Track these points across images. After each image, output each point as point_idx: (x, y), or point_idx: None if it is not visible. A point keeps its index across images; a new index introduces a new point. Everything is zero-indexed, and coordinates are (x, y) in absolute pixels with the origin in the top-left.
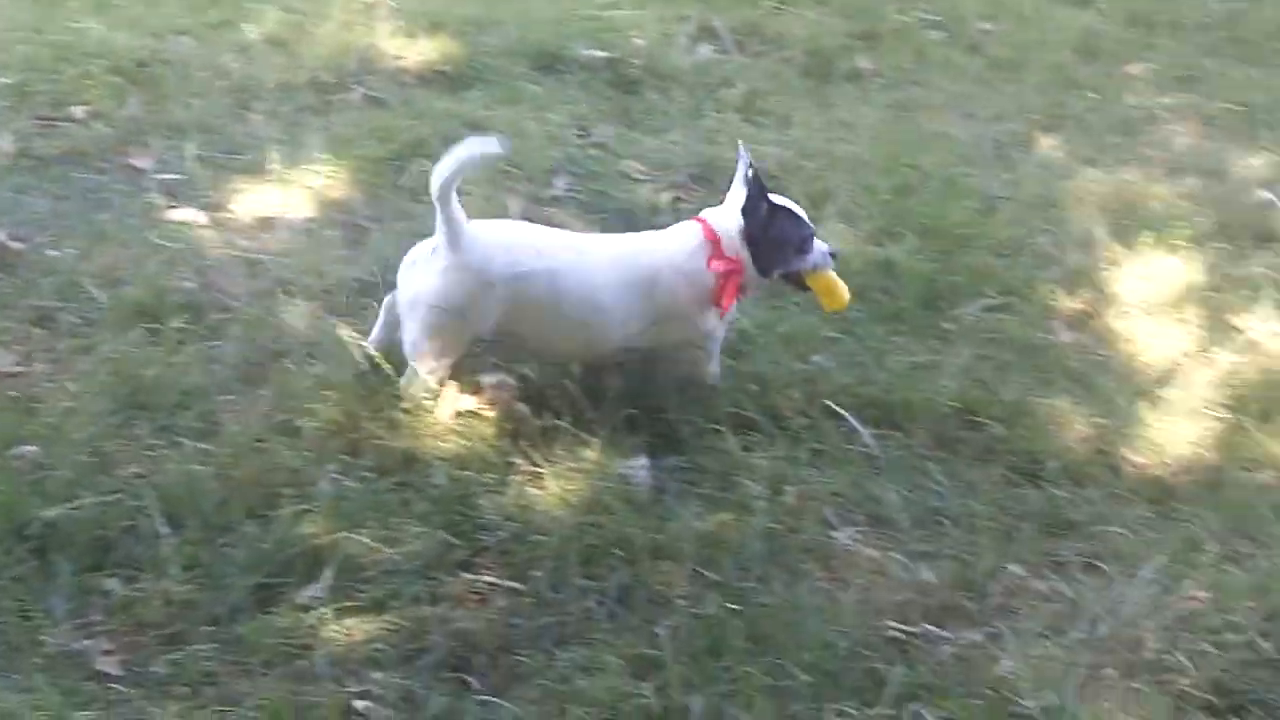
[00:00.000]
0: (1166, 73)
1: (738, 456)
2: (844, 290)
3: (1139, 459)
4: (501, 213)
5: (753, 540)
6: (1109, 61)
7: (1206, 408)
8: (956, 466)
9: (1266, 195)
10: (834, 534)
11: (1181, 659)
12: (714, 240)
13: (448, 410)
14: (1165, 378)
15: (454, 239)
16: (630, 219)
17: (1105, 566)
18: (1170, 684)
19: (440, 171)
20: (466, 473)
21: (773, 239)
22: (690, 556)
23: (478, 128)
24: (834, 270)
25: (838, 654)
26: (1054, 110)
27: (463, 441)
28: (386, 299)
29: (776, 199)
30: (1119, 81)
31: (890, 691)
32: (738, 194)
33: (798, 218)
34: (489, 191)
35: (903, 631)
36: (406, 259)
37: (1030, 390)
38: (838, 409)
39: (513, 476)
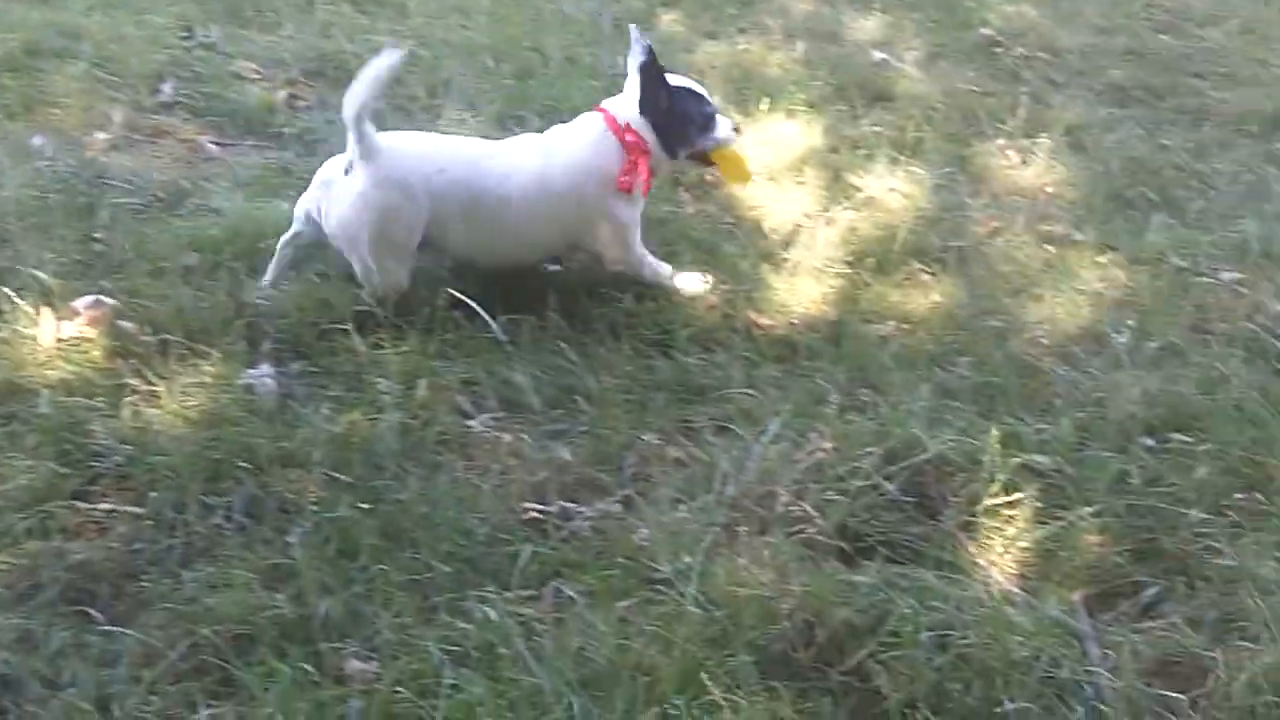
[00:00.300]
0: None
1: (366, 355)
2: (748, 165)
3: (766, 321)
4: (105, 124)
5: (386, 437)
6: None
7: (828, 265)
8: (589, 345)
9: (880, 55)
10: (469, 423)
11: (810, 509)
12: (616, 129)
13: (48, 336)
14: (789, 240)
15: (370, 155)
16: (246, 121)
17: (736, 428)
18: (801, 534)
19: (352, 95)
20: (75, 399)
21: (676, 119)
22: (321, 461)
23: (75, 36)
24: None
25: (476, 541)
26: None
27: (69, 367)
28: (299, 203)
29: (675, 79)
30: None
31: (525, 570)
32: (634, 79)
33: (698, 96)
34: (88, 103)
35: (540, 511)
36: (318, 177)
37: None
38: (462, 297)
39: (126, 399)
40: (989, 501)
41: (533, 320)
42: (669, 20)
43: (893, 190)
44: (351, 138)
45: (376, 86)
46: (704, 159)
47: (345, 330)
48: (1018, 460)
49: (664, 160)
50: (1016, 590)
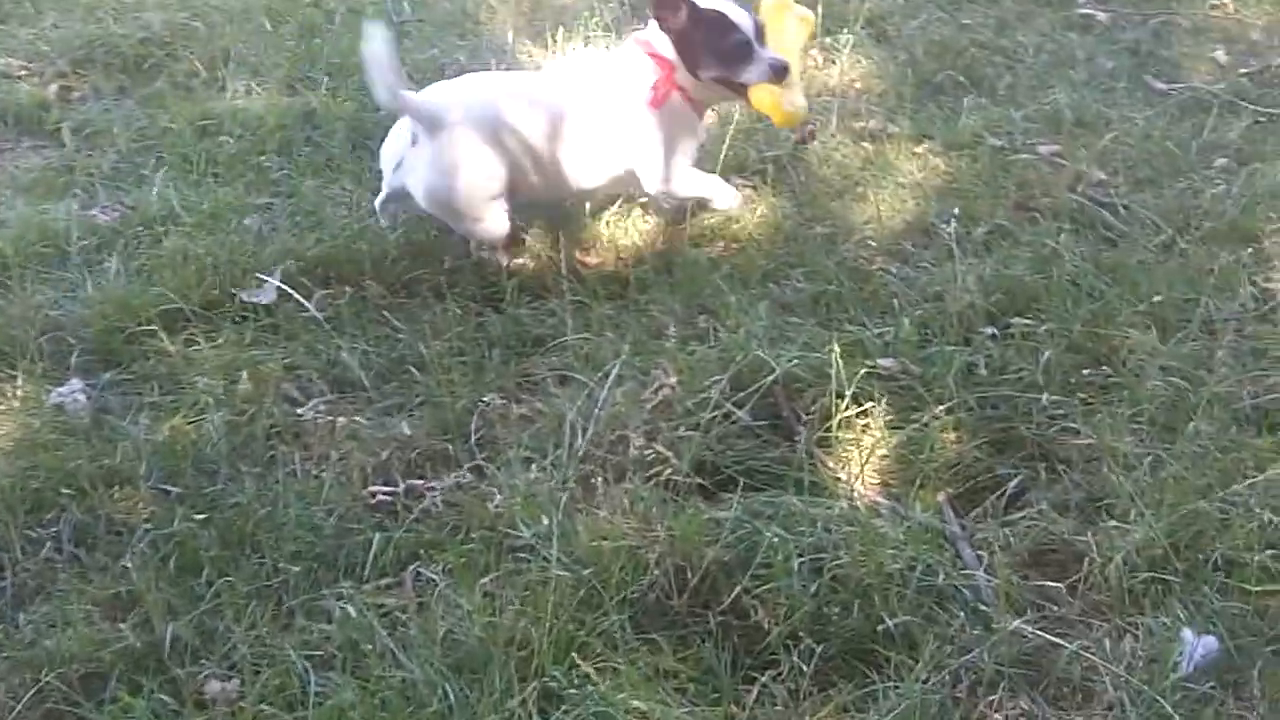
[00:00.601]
0: None
1: (180, 354)
2: (790, 106)
3: (594, 259)
4: None
5: (213, 439)
6: None
7: None
8: (413, 310)
9: None
10: (299, 411)
11: (664, 450)
12: (647, 48)
13: None
14: None
15: (427, 120)
16: (19, 121)
17: (579, 375)
18: (659, 476)
19: (375, 86)
20: None
21: (693, 38)
22: (147, 475)
23: None
24: (782, 83)
25: (324, 535)
26: None
27: None
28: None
29: (704, 5)
30: None
31: (380, 558)
32: None
33: (727, 24)
34: None
35: (388, 493)
36: (387, 157)
37: None
38: (269, 279)
39: None
40: (841, 415)
41: (350, 292)
42: None
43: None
44: (405, 114)
45: (385, 67)
46: (738, 90)
47: (153, 332)
48: (864, 368)
49: (694, 85)
50: (882, 501)
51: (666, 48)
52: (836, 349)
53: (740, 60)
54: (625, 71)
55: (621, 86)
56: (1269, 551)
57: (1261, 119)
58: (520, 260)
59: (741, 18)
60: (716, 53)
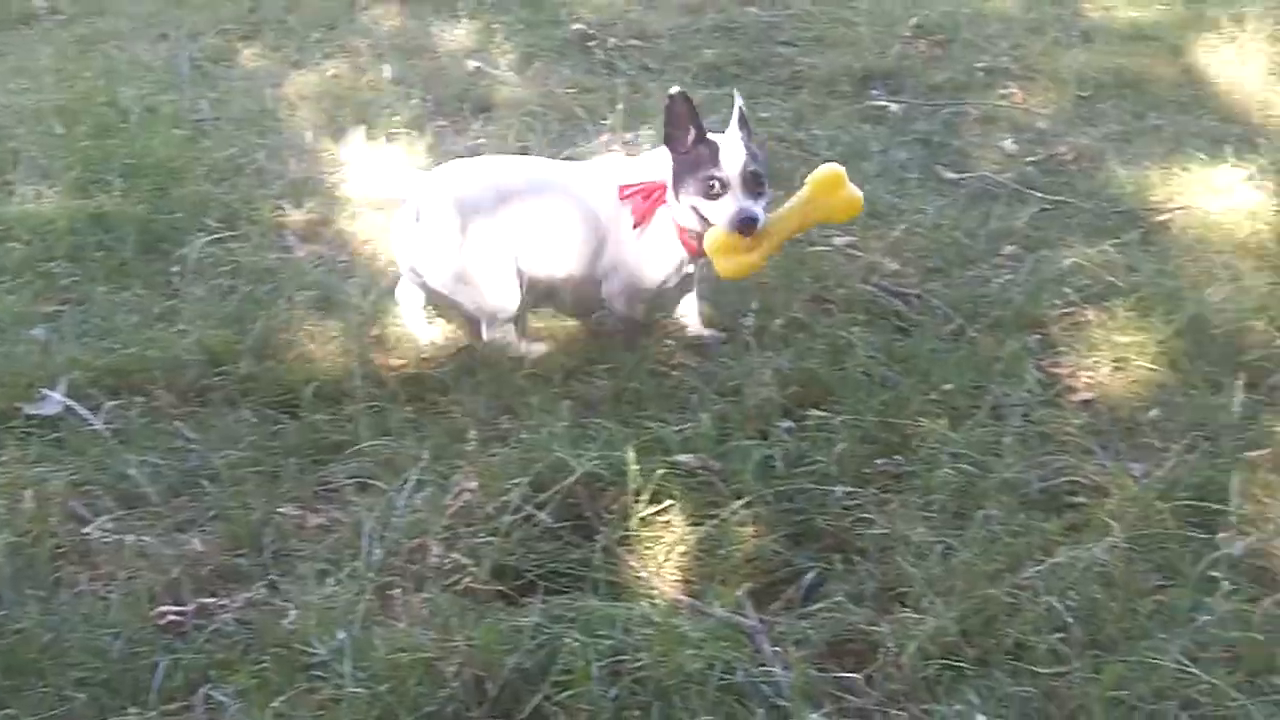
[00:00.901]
0: None
1: None
2: (731, 263)
3: (396, 361)
4: None
5: None
6: None
7: None
8: (206, 418)
9: (474, 64)
10: (86, 529)
11: (463, 557)
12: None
13: None
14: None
15: (427, 197)
16: None
17: (378, 482)
18: (458, 584)
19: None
20: None
21: (686, 165)
22: None
23: None
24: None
25: (111, 659)
26: (249, 18)
27: None
28: (399, 290)
29: (723, 136)
30: None
31: (168, 681)
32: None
33: (716, 158)
34: None
35: (177, 613)
36: (396, 240)
37: (275, 318)
38: (53, 394)
39: None
40: (639, 514)
41: (141, 401)
42: (251, 55)
43: None
44: (408, 189)
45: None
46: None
47: None
48: (664, 465)
49: (673, 200)
50: (683, 598)
51: (664, 163)
52: (631, 451)
53: (714, 198)
54: (620, 176)
55: (611, 190)
56: (1056, 635)
57: (1048, 206)
58: (541, 347)
59: (734, 159)
60: (697, 182)
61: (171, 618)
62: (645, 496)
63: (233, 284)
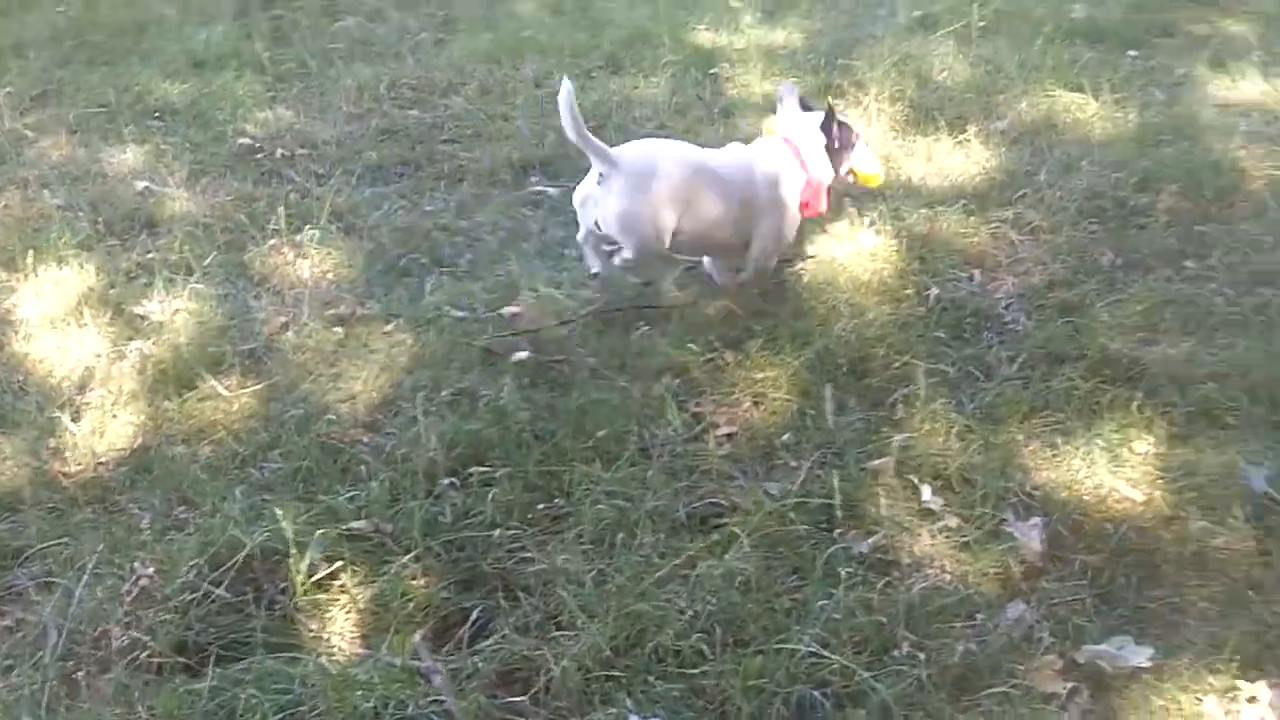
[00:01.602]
0: (24, 93)
1: None
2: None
3: (74, 468)
4: None
5: None
6: None
7: (130, 399)
8: None
9: (142, 184)
10: None
11: (142, 635)
12: (799, 155)
13: None
14: (83, 383)
15: (610, 162)
16: None
17: (60, 580)
18: (138, 660)
19: (566, 124)
20: None
21: (841, 145)
22: None
23: None
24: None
25: None
26: None
27: None
28: (581, 236)
29: (810, 115)
30: None
31: None
32: (800, 117)
33: (849, 133)
34: None
35: None
36: (578, 198)
37: None
38: None
39: None
40: (311, 579)
41: None
42: None
43: (179, 311)
44: (590, 156)
45: (574, 114)
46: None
47: None
48: (337, 531)
49: (829, 174)
50: (361, 651)
51: (808, 153)
52: (287, 521)
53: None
54: (779, 164)
55: (774, 176)
56: (698, 635)
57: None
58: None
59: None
60: (851, 151)
61: None
62: (311, 562)
63: None
